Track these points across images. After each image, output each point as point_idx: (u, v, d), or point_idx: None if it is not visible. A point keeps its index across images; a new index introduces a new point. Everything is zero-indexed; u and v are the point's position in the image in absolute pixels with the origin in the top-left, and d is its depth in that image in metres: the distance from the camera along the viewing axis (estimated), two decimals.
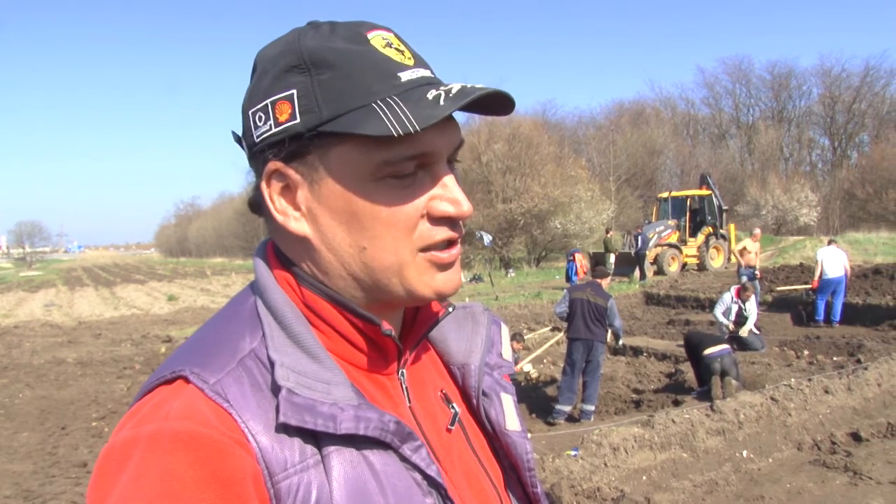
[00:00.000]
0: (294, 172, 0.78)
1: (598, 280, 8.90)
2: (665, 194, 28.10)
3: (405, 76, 0.76)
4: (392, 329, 0.81)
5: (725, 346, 8.76)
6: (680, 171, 57.24)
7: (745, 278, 15.04)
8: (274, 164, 0.78)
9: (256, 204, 0.84)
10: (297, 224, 0.79)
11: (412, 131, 0.71)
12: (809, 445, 6.55)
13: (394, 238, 0.77)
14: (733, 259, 15.58)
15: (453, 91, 0.74)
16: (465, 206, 0.79)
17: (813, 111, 63.05)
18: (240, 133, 0.83)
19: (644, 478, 5.81)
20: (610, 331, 8.76)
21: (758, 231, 16.73)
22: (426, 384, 0.90)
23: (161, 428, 0.66)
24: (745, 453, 6.30)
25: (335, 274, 0.80)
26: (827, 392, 7.30)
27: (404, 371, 0.86)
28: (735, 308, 11.28)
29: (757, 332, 11.59)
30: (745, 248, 15.90)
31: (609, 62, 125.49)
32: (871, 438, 6.60)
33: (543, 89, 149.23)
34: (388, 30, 0.81)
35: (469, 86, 0.76)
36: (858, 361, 9.49)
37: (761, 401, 6.87)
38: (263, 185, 0.79)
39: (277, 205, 0.79)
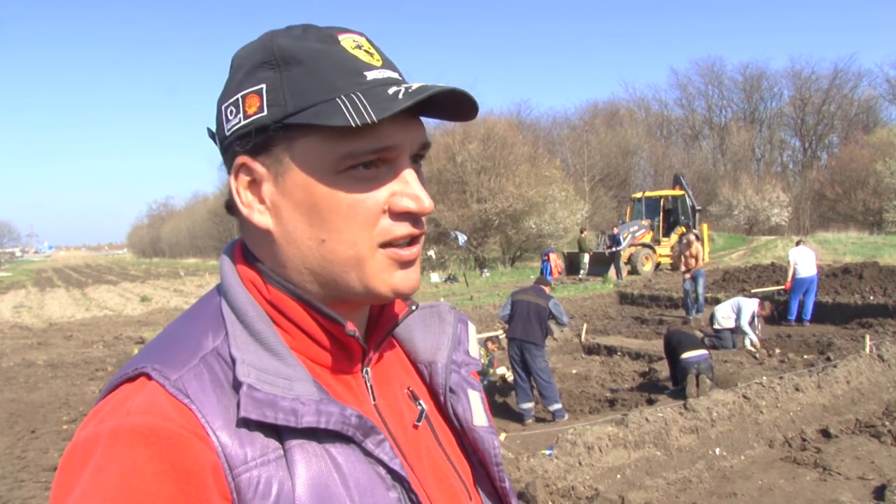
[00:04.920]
0: (260, 166, 0.79)
1: (541, 286, 9.09)
2: (639, 194, 28.25)
3: (371, 75, 0.78)
4: (356, 329, 0.82)
5: (704, 352, 8.85)
6: (653, 172, 57.73)
7: (702, 279, 14.89)
8: (241, 158, 0.79)
9: (231, 204, 0.85)
10: (261, 217, 0.80)
11: (369, 122, 0.72)
12: (780, 442, 6.64)
13: (352, 231, 0.78)
14: (696, 263, 14.62)
15: (413, 87, 0.76)
16: (426, 203, 0.80)
17: (784, 113, 64.04)
18: (214, 129, 0.84)
19: (618, 476, 5.85)
20: (560, 328, 8.94)
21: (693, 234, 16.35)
22: (392, 382, 0.91)
23: (121, 423, 0.68)
24: (717, 451, 6.37)
25: (294, 268, 0.80)
26: (798, 390, 7.40)
27: (368, 370, 0.87)
28: (756, 323, 11.29)
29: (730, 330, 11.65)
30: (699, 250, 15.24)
31: (583, 63, 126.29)
32: (840, 435, 6.70)
33: (518, 89, 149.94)
34: (361, 34, 0.83)
35: (430, 84, 0.77)
36: (828, 359, 9.62)
37: (734, 399, 6.95)
38: (231, 179, 0.80)
39: (244, 198, 0.80)
